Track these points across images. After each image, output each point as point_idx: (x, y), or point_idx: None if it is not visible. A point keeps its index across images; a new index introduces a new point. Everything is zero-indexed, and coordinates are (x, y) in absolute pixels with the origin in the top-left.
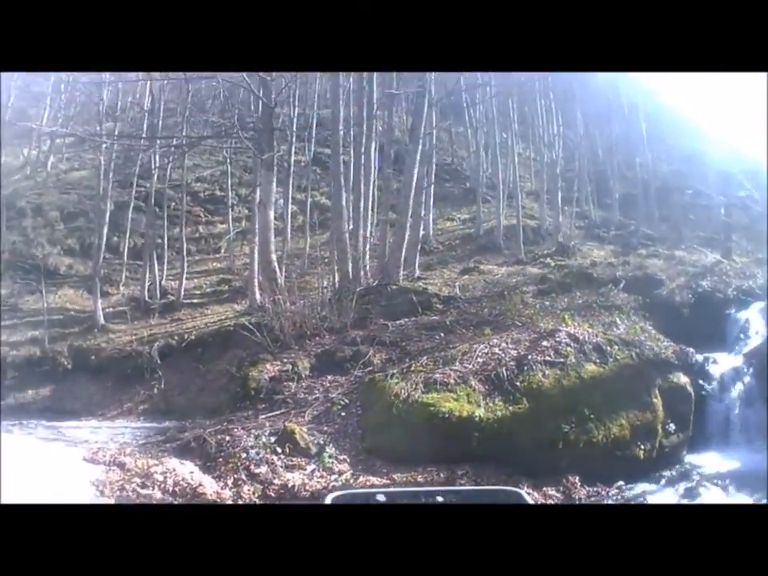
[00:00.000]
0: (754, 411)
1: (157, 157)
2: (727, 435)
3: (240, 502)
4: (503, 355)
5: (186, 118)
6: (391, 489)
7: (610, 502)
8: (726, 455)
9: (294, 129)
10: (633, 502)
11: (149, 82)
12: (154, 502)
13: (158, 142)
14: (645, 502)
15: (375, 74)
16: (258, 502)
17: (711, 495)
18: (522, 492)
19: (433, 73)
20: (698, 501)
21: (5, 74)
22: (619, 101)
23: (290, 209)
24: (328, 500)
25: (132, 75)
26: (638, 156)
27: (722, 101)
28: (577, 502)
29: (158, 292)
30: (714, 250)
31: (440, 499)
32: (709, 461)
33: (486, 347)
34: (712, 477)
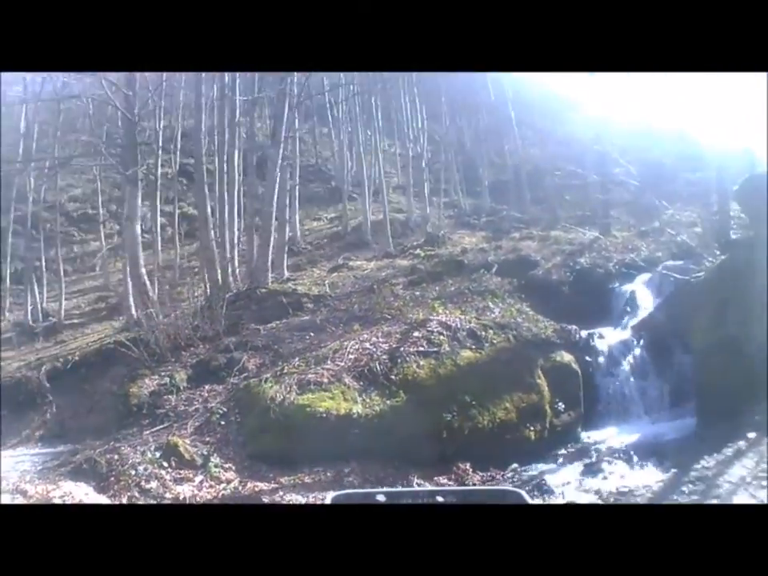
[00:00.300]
0: (649, 383)
1: (32, 179)
2: (625, 409)
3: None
4: (375, 350)
5: (58, 138)
6: (391, 489)
7: (506, 486)
8: (624, 429)
9: (160, 142)
10: (532, 483)
11: (24, 105)
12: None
13: (32, 164)
14: (544, 482)
15: (237, 81)
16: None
17: (614, 468)
18: (522, 492)
19: (294, 75)
20: (601, 476)
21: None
22: (486, 90)
23: (159, 221)
24: (328, 500)
25: (8, 98)
26: (506, 143)
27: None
28: (471, 487)
29: (40, 315)
30: (592, 228)
31: (440, 499)
32: (607, 436)
33: (356, 343)
34: (613, 451)
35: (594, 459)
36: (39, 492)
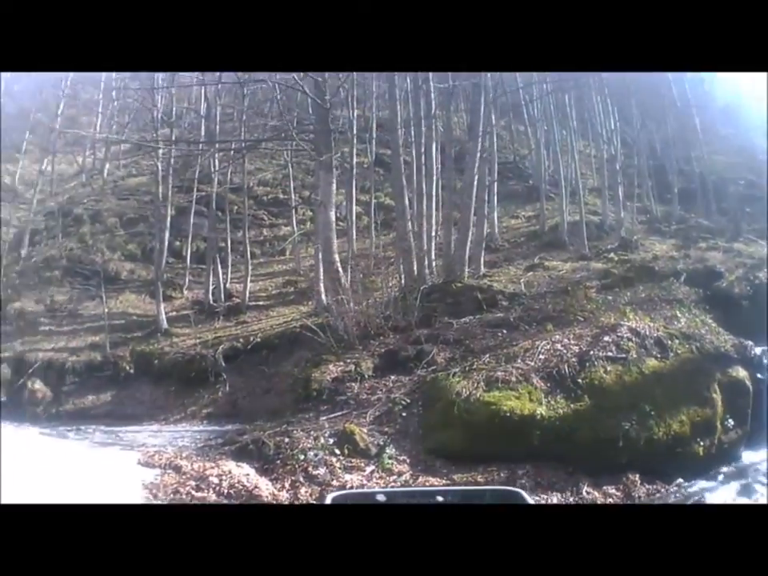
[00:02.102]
0: None
1: (216, 161)
2: None
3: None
4: (565, 351)
5: (244, 122)
6: (391, 489)
7: (671, 500)
8: None
9: (354, 130)
10: (692, 500)
11: (203, 87)
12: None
13: (216, 146)
14: (703, 500)
15: (431, 73)
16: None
17: (765, 491)
18: (522, 492)
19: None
20: (754, 498)
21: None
22: (671, 94)
23: (354, 210)
24: (328, 500)
25: (185, 80)
26: (693, 150)
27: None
28: (636, 501)
29: (222, 295)
30: None
31: (440, 499)
32: (764, 457)
33: (548, 343)
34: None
35: (749, 480)
36: (195, 469)
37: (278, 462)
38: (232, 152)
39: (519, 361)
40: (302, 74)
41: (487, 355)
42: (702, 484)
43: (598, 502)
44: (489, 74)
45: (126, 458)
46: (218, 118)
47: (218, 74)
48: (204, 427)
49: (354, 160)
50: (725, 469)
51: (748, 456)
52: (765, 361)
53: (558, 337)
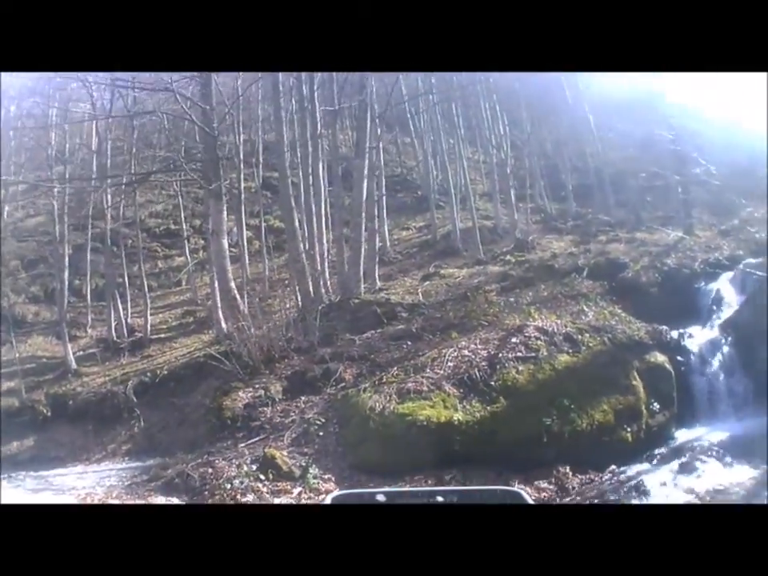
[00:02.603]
0: (736, 380)
1: (108, 196)
2: (713, 407)
3: None
4: (473, 357)
5: (134, 154)
6: (391, 489)
7: (605, 487)
8: (714, 427)
9: (241, 156)
10: (629, 485)
11: (94, 122)
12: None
13: (108, 181)
14: (641, 483)
15: (316, 93)
16: None
17: (707, 467)
18: (522, 492)
19: (373, 86)
20: (695, 474)
21: None
22: (563, 94)
23: (245, 235)
24: (328, 500)
25: (76, 115)
26: (587, 146)
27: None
28: (571, 492)
29: (125, 330)
30: (675, 228)
31: (440, 499)
32: (699, 434)
33: (455, 351)
34: (705, 450)
35: (687, 458)
36: None
37: (206, 492)
38: (123, 186)
39: (428, 370)
40: (189, 102)
41: (395, 368)
42: (637, 468)
43: (533, 498)
44: (374, 89)
45: (61, 503)
46: (109, 152)
47: (108, 107)
48: (126, 464)
49: (242, 185)
50: (659, 451)
51: (682, 435)
52: (683, 343)
53: (464, 343)
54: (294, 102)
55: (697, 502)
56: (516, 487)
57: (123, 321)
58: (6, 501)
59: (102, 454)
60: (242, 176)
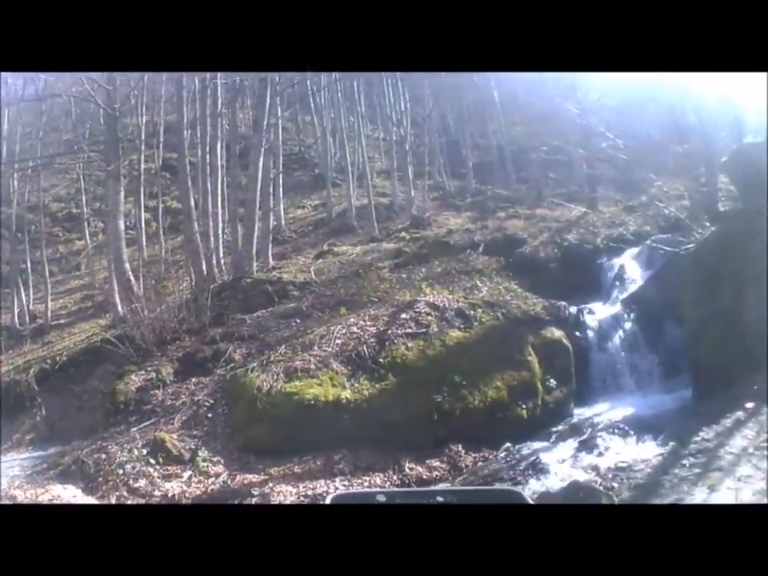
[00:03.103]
0: (641, 357)
1: (15, 182)
2: (616, 384)
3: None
4: (362, 333)
5: (41, 138)
6: (391, 489)
7: (500, 465)
8: (618, 403)
9: (143, 137)
10: (526, 462)
11: (6, 108)
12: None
13: (15, 166)
14: (538, 460)
15: (219, 74)
16: None
17: (610, 444)
18: (522, 492)
19: None
20: (596, 452)
21: None
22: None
23: (143, 216)
24: (328, 500)
25: None
26: (490, 123)
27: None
28: (464, 471)
29: (27, 317)
30: (578, 204)
31: (440, 499)
32: (600, 411)
33: (343, 328)
34: (607, 426)
35: (588, 435)
36: (28, 497)
37: (100, 479)
38: (30, 170)
39: (316, 348)
40: (95, 84)
41: (283, 346)
42: (534, 446)
43: (424, 477)
44: None
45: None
46: (18, 137)
47: (19, 92)
48: (30, 453)
49: (142, 166)
50: (556, 428)
51: (582, 412)
52: (582, 319)
53: (353, 320)
54: (196, 81)
55: (598, 479)
56: (407, 466)
57: (25, 307)
58: None
59: (8, 444)
60: (142, 157)
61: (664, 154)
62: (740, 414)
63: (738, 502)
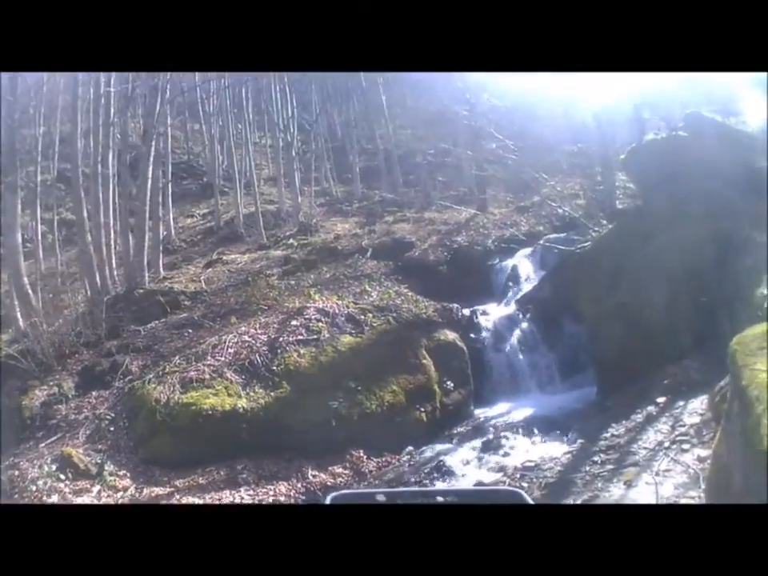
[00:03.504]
0: (540, 356)
1: None
2: (515, 383)
3: None
4: (254, 342)
5: None
6: (391, 489)
7: (403, 469)
8: (519, 403)
9: (39, 148)
10: (430, 465)
11: None
12: None
13: None
14: (443, 463)
15: (112, 80)
16: None
17: (515, 443)
18: (522, 492)
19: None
20: (501, 452)
21: None
22: (358, 76)
23: (39, 229)
24: (328, 500)
25: None
26: (378, 128)
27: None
28: (368, 476)
29: None
30: (468, 206)
31: (440, 499)
32: (501, 411)
33: (234, 336)
34: (511, 426)
35: (491, 436)
36: None
37: (16, 496)
38: None
39: (209, 358)
40: None
41: (177, 357)
42: (436, 448)
43: (329, 484)
44: (168, 76)
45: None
46: None
47: None
48: None
49: (39, 178)
50: (457, 430)
51: (483, 413)
52: (476, 320)
53: (244, 328)
54: (91, 91)
55: (506, 480)
56: (310, 473)
57: None
58: None
59: None
60: (38, 168)
61: (557, 154)
62: (651, 408)
63: (660, 497)
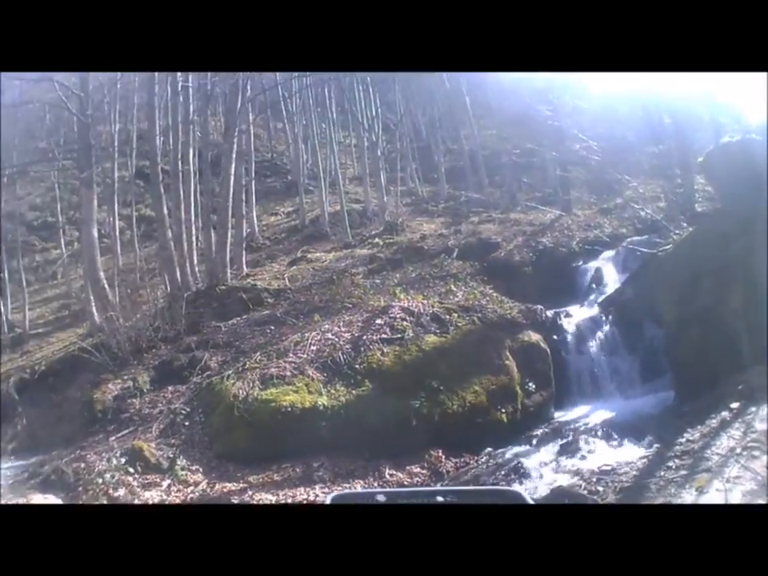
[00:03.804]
0: (620, 359)
1: None
2: (596, 386)
3: None
4: (337, 339)
5: (16, 146)
6: (391, 489)
7: (481, 470)
8: (598, 406)
9: (116, 144)
10: (508, 467)
11: None
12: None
13: None
14: (520, 465)
15: (190, 78)
16: None
17: (593, 447)
18: (522, 492)
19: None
20: (579, 455)
21: None
22: (440, 75)
23: (117, 225)
24: (328, 500)
25: None
26: (462, 129)
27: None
28: (446, 476)
29: (5, 327)
30: (552, 207)
31: (440, 499)
32: (581, 414)
33: (317, 334)
34: (589, 430)
35: (570, 439)
36: None
37: (80, 488)
38: (5, 179)
39: (291, 355)
40: (69, 91)
41: (258, 353)
42: (515, 450)
43: (405, 483)
44: (247, 74)
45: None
46: None
47: None
48: (12, 463)
49: (116, 174)
50: (537, 432)
51: (563, 416)
52: (559, 322)
53: (327, 326)
54: (168, 89)
55: (582, 483)
56: (387, 473)
57: (4, 317)
58: None
59: None
60: (115, 165)
61: (639, 156)
62: (725, 414)
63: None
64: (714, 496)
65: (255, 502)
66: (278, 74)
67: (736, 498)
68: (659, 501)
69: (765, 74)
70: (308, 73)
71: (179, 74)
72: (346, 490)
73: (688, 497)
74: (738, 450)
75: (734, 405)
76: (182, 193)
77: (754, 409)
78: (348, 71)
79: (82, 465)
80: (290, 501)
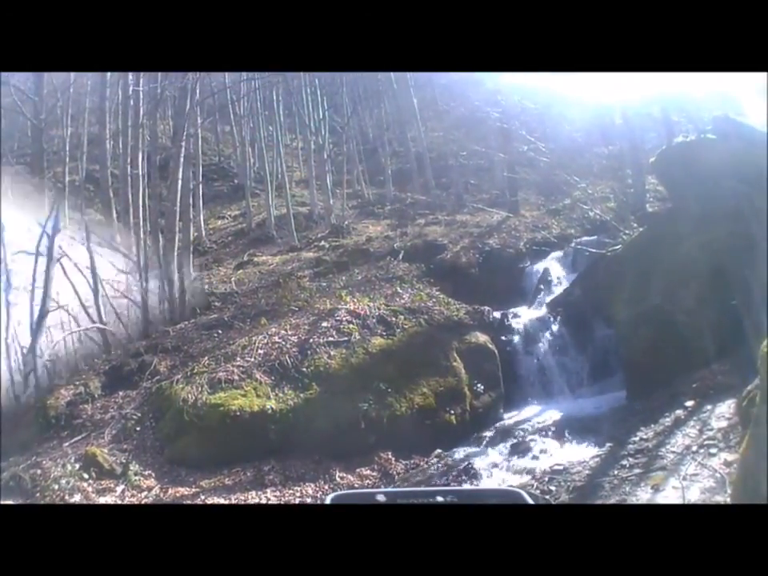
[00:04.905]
0: (570, 359)
1: None
2: (546, 387)
3: None
4: (284, 343)
5: None
6: (391, 489)
7: (431, 471)
8: (549, 406)
9: (67, 149)
10: (459, 468)
11: None
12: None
13: None
14: (471, 466)
15: (141, 81)
16: None
17: (544, 447)
18: (522, 492)
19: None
20: (530, 455)
21: None
22: (389, 77)
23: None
24: (328, 500)
25: None
26: (409, 131)
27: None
28: (396, 478)
29: None
30: (500, 209)
31: (440, 499)
32: (531, 414)
33: (265, 337)
34: (540, 429)
35: (520, 439)
36: None
37: (38, 495)
38: None
39: (239, 358)
40: (25, 96)
41: (206, 357)
42: (465, 450)
43: (356, 486)
44: (197, 77)
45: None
46: None
47: None
48: None
49: (67, 179)
50: (487, 433)
51: (513, 416)
52: (507, 323)
53: (274, 329)
54: (119, 92)
55: (534, 483)
56: (337, 475)
57: None
58: None
59: None
60: (66, 169)
61: (588, 157)
62: (679, 412)
63: (687, 501)
64: (670, 494)
65: (208, 504)
66: (226, 76)
67: (694, 495)
68: (614, 499)
69: (727, 72)
70: (257, 74)
71: (130, 77)
72: (347, 490)
73: (643, 495)
74: (695, 448)
75: (689, 403)
76: (130, 197)
77: (709, 407)
78: (316, 71)
79: (38, 471)
80: (225, 503)
